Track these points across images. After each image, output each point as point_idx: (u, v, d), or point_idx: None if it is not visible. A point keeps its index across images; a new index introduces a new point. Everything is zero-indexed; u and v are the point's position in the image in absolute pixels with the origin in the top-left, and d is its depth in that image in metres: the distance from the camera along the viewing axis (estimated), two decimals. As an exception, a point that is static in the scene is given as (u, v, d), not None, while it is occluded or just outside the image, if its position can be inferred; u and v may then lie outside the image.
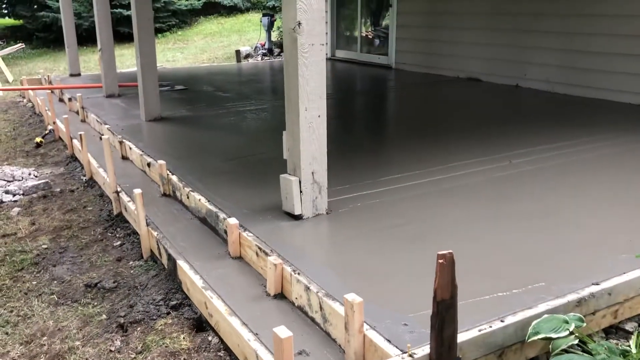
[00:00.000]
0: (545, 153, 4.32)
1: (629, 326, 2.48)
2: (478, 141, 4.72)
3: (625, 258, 2.60)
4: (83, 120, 6.54)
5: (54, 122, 6.48)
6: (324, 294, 2.34)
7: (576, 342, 2.10)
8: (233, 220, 2.99)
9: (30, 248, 3.76)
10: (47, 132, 6.60)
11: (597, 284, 2.37)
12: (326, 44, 10.32)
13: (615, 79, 6.16)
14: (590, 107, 6.01)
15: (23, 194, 4.77)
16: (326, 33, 10.46)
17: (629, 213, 3.17)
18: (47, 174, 5.32)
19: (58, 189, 4.83)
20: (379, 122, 5.88)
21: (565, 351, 2.06)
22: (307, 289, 2.41)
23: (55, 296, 3.16)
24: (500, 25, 7.44)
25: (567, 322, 2.09)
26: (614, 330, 2.47)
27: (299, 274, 2.52)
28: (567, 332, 2.05)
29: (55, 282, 3.32)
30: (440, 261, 1.86)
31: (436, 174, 3.88)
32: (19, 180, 5.08)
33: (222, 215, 3.22)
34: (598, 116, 5.59)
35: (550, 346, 2.13)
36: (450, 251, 1.85)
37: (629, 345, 2.24)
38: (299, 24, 2.80)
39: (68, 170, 5.40)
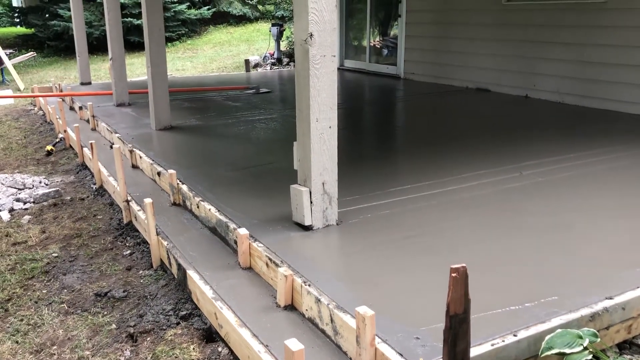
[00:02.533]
0: (556, 164, 4.30)
1: (643, 341, 2.45)
2: (488, 152, 4.70)
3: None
4: (94, 129, 6.58)
5: (65, 131, 6.52)
6: (334, 306, 2.33)
7: (590, 357, 2.08)
8: (243, 231, 2.99)
9: (41, 256, 3.77)
10: (57, 140, 6.64)
11: (611, 299, 2.35)
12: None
13: (626, 90, 6.14)
14: (601, 118, 5.99)
15: (34, 202, 4.79)
16: (335, 43, 10.48)
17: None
18: (57, 182, 5.35)
19: (68, 197, 4.85)
20: (388, 133, 5.87)
21: (579, 367, 2.03)
22: (318, 300, 2.40)
23: (65, 305, 3.17)
24: (510, 35, 7.44)
25: (581, 337, 2.07)
26: (628, 346, 2.44)
27: (309, 285, 2.51)
28: (581, 347, 2.03)
29: (65, 290, 3.33)
30: (454, 275, 1.84)
31: (447, 185, 3.87)
32: (30, 188, 5.11)
33: (232, 226, 3.22)
34: (609, 128, 5.56)
35: (563, 361, 2.11)
36: (464, 265, 1.84)
37: (644, 361, 2.22)
38: (311, 35, 2.81)
39: (78, 178, 5.43)
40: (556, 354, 2.04)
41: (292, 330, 2.43)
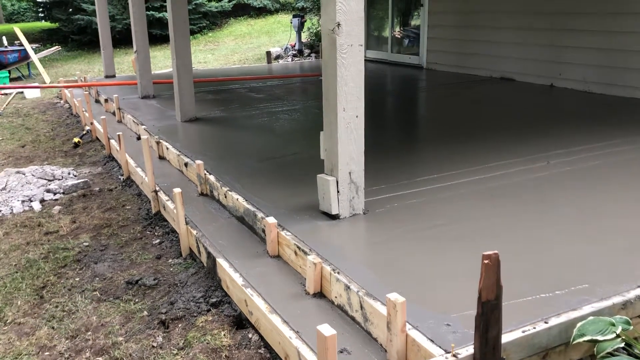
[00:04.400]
0: (583, 154, 4.25)
1: (675, 330, 2.42)
2: (514, 141, 4.67)
3: (672, 260, 2.55)
4: (119, 121, 6.67)
5: (92, 123, 6.62)
6: (364, 293, 2.35)
7: (622, 345, 2.07)
8: (272, 220, 3.02)
9: (72, 245, 3.85)
10: (84, 132, 6.75)
11: (643, 287, 2.33)
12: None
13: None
14: (628, 107, 5.89)
15: (63, 193, 4.89)
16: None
17: (673, 215, 3.11)
18: (85, 173, 5.45)
19: (97, 188, 4.94)
20: (413, 122, 5.86)
21: (611, 354, 2.03)
22: (347, 288, 2.43)
23: (97, 293, 3.24)
24: (535, 24, 7.34)
25: (613, 325, 2.06)
26: (660, 334, 2.42)
27: (338, 273, 2.54)
28: (613, 335, 2.02)
29: (97, 279, 3.40)
30: (486, 262, 1.85)
31: (473, 174, 3.85)
32: (59, 179, 5.22)
33: (260, 215, 3.25)
34: (636, 116, 5.47)
35: (595, 349, 2.10)
36: (496, 252, 1.84)
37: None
38: (338, 25, 2.82)
39: (106, 170, 5.52)
40: (588, 341, 2.04)
41: (321, 317, 2.45)
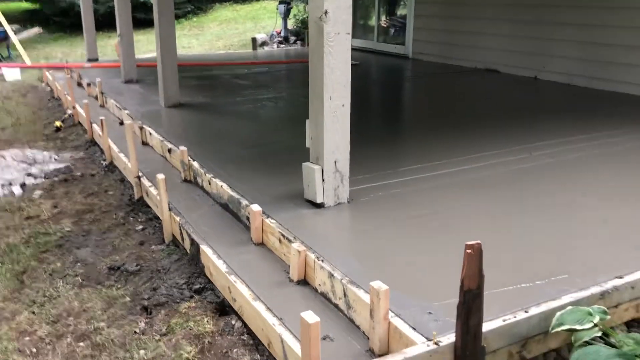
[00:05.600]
0: (565, 146, 4.31)
1: (651, 320, 2.48)
2: (497, 133, 4.71)
3: (649, 252, 2.60)
4: (102, 106, 6.59)
5: (74, 107, 6.53)
6: (348, 280, 2.37)
7: (599, 334, 2.11)
8: (256, 207, 3.02)
9: (54, 230, 3.81)
10: (66, 116, 6.66)
11: (621, 278, 2.38)
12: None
13: (635, 71, 6.10)
14: (610, 100, 5.97)
15: (45, 177, 4.83)
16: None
17: (651, 207, 3.17)
18: (67, 157, 5.38)
19: (79, 173, 4.89)
20: (398, 113, 5.87)
21: (588, 343, 2.07)
22: (331, 275, 2.44)
23: (79, 278, 3.22)
24: (520, 16, 7.38)
25: (591, 314, 2.10)
26: (636, 324, 2.47)
27: (322, 260, 2.55)
28: (591, 324, 2.06)
29: (79, 264, 3.38)
30: (469, 251, 1.88)
31: (456, 165, 3.88)
32: (40, 163, 5.15)
33: (244, 202, 3.25)
34: (619, 109, 5.54)
35: (572, 338, 2.15)
36: (479, 242, 1.87)
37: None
38: (326, 12, 2.81)
39: (88, 154, 5.46)
40: (566, 330, 2.08)
41: (305, 304, 2.47)
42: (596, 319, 2.08)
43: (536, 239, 2.80)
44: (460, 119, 5.30)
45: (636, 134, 4.62)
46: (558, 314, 2.12)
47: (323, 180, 3.06)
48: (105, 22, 15.58)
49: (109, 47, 13.31)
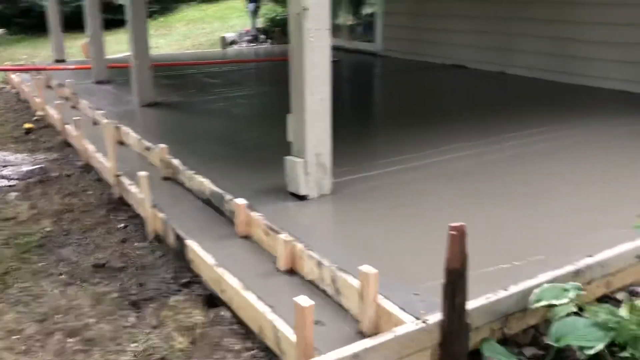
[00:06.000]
0: (534, 137, 4.48)
1: (620, 296, 2.63)
2: (468, 125, 4.86)
3: (615, 233, 2.75)
4: (74, 107, 6.52)
5: (44, 108, 6.45)
6: (336, 267, 2.46)
7: (575, 309, 2.25)
8: (241, 201, 3.08)
9: (34, 231, 3.79)
10: (36, 118, 6.57)
11: (591, 256, 2.52)
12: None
13: (599, 65, 6.35)
14: (575, 93, 6.20)
15: (19, 179, 4.77)
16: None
17: (616, 192, 3.34)
18: (40, 159, 5.32)
19: (54, 174, 4.85)
20: (371, 108, 5.98)
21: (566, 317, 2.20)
22: (319, 263, 2.52)
23: (64, 276, 3.22)
24: (487, 12, 7.58)
25: (567, 290, 2.23)
26: (607, 300, 2.62)
27: (310, 249, 2.63)
28: (567, 299, 2.19)
29: (62, 263, 3.37)
30: (452, 232, 1.99)
31: (431, 157, 4.01)
32: (13, 165, 5.08)
33: (227, 197, 3.30)
34: (583, 102, 5.77)
35: (550, 314, 2.28)
36: (462, 223, 1.98)
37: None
38: (305, 8, 2.89)
39: (62, 155, 5.40)
40: (545, 305, 2.20)
41: (294, 292, 2.52)
42: (571, 295, 2.21)
43: (511, 224, 2.94)
44: (431, 114, 5.44)
45: (597, 124, 4.83)
46: (536, 290, 2.24)
47: (306, 173, 3.14)
48: (70, 23, 15.31)
49: (75, 48, 13.09)
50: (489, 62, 7.64)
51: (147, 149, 4.44)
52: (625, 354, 2.10)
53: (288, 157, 3.23)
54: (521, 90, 6.52)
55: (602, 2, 6.22)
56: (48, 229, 3.81)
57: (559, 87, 6.51)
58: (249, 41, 12.54)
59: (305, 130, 3.06)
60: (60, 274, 3.24)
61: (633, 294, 2.67)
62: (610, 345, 2.15)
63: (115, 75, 7.67)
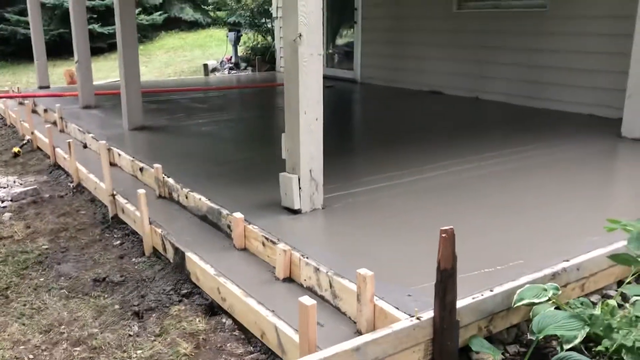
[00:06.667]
0: (509, 156, 4.74)
1: (594, 298, 2.85)
2: (447, 146, 5.12)
3: (589, 240, 2.98)
4: (62, 131, 6.63)
5: (32, 133, 6.54)
6: (333, 273, 2.63)
7: (553, 308, 2.45)
8: (238, 215, 3.24)
9: (31, 249, 3.88)
10: (24, 142, 6.65)
11: (568, 261, 2.74)
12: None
13: (567, 91, 6.72)
14: (544, 117, 6.53)
15: (12, 200, 4.86)
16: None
17: (587, 204, 3.60)
18: (31, 181, 5.41)
19: (47, 195, 4.94)
20: (355, 131, 6.22)
21: (545, 315, 2.39)
22: (317, 270, 2.69)
23: (65, 290, 3.32)
24: (461, 41, 7.95)
25: (546, 290, 2.43)
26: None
27: (307, 258, 2.80)
28: (546, 298, 2.40)
29: (62, 278, 3.48)
30: (443, 235, 2.18)
31: (414, 174, 4.23)
32: (4, 187, 5.16)
33: (224, 212, 3.46)
34: (553, 125, 6.09)
35: (530, 313, 2.48)
36: (452, 227, 2.18)
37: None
38: (300, 35, 3.11)
39: (52, 177, 5.50)
40: (526, 304, 2.40)
41: (293, 298, 2.67)
42: (550, 294, 2.42)
43: (492, 233, 3.15)
44: (412, 135, 5.70)
45: (566, 145, 5.13)
46: (519, 291, 2.44)
47: (300, 188, 3.33)
48: (49, 51, 15.41)
49: (55, 74, 13.18)
50: (464, 88, 7.99)
51: (141, 169, 4.58)
52: (600, 347, 2.30)
53: (282, 174, 3.41)
54: (495, 115, 6.84)
55: (567, 32, 6.62)
56: (45, 247, 3.91)
57: (530, 112, 6.85)
58: (230, 68, 12.79)
59: (299, 147, 3.25)
60: (61, 288, 3.35)
61: (605, 296, 2.89)
62: (586, 341, 2.36)
63: (101, 100, 7.81)
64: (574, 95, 6.64)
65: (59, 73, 13.05)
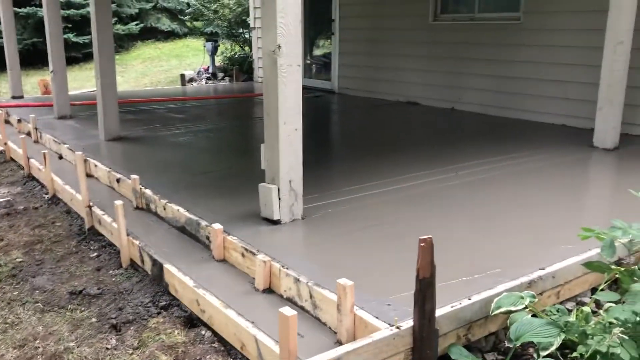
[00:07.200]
0: (484, 166, 4.81)
1: (569, 305, 2.90)
2: (424, 156, 5.18)
3: (564, 248, 3.04)
4: (36, 141, 6.53)
5: (5, 143, 6.43)
6: (313, 283, 2.63)
7: (529, 315, 2.49)
8: (217, 226, 3.23)
9: (4, 262, 3.81)
10: (-4, 153, 6.53)
11: (543, 269, 2.79)
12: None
13: (539, 101, 6.85)
14: (519, 127, 6.65)
15: (-16, 212, 4.76)
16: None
17: (561, 213, 3.67)
18: (4, 193, 5.32)
19: (21, 207, 4.86)
20: (333, 141, 6.25)
21: (522, 322, 2.43)
22: (297, 280, 2.69)
23: (40, 304, 3.27)
24: (436, 52, 8.07)
25: (522, 298, 2.47)
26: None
27: (287, 268, 2.80)
28: (523, 306, 2.44)
29: (37, 291, 3.42)
30: (422, 244, 2.21)
31: (393, 184, 4.27)
32: (-24, 199, 5.06)
33: (203, 223, 3.44)
34: (527, 135, 6.20)
35: (508, 321, 2.51)
36: (430, 236, 2.20)
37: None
38: (279, 46, 3.13)
39: (26, 189, 5.41)
40: (504, 312, 2.44)
41: (273, 309, 2.67)
42: (527, 301, 2.46)
43: (469, 242, 3.19)
44: (390, 146, 5.75)
45: (540, 155, 5.23)
46: (496, 299, 2.48)
47: (279, 198, 3.33)
48: (23, 60, 15.17)
49: (29, 84, 12.99)
50: (440, 99, 8.09)
51: (118, 180, 4.54)
52: (575, 354, 2.34)
53: (262, 184, 3.41)
54: (470, 125, 6.94)
55: (540, 44, 6.76)
56: (19, 260, 3.84)
57: (505, 122, 6.96)
58: (208, 78, 12.76)
59: (279, 158, 3.26)
60: (36, 302, 3.29)
61: (580, 303, 2.95)
62: (562, 348, 2.40)
63: (77, 111, 7.71)
64: (547, 106, 6.78)
65: (33, 83, 12.88)
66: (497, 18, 7.31)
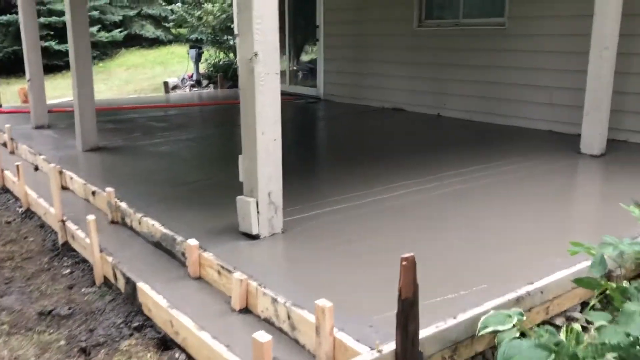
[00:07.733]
0: (470, 174, 4.71)
1: (558, 321, 2.80)
2: (409, 164, 5.07)
3: (552, 262, 2.94)
4: (12, 152, 6.35)
5: (-20, 154, 6.24)
6: (291, 303, 2.50)
7: (518, 334, 2.38)
8: (193, 242, 3.09)
9: (-28, 280, 3.64)
10: (-29, 164, 6.34)
11: (532, 284, 2.68)
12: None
13: (525, 107, 6.79)
14: (505, 133, 6.57)
15: (-46, 228, 4.58)
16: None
17: (550, 224, 3.57)
18: (-24, 206, 5.13)
19: (-7, 221, 4.69)
20: (317, 149, 6.13)
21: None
22: (274, 300, 2.56)
23: (6, 326, 3.10)
24: (421, 59, 7.99)
25: (510, 316, 2.36)
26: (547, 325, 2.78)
27: (264, 287, 2.67)
28: (511, 325, 2.32)
29: (4, 312, 3.25)
30: (404, 263, 2.09)
31: (377, 194, 4.15)
32: (-53, 213, 4.88)
33: (179, 238, 3.30)
34: (514, 142, 6.12)
35: (495, 340, 2.40)
36: (412, 254, 2.09)
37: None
38: (256, 54, 3.01)
39: (0, 202, 5.24)
40: (491, 332, 2.33)
41: (249, 331, 2.52)
42: (515, 320, 2.35)
43: (455, 256, 3.08)
44: (375, 154, 5.64)
45: (527, 162, 5.14)
46: (483, 318, 2.36)
47: (258, 212, 3.20)
48: (4, 68, 14.96)
49: (8, 93, 12.77)
50: (426, 105, 8.01)
51: (93, 193, 4.38)
52: (565, 375, 2.23)
53: (240, 197, 3.28)
54: (456, 132, 6.86)
55: (525, 50, 6.70)
56: (-13, 278, 3.67)
57: (491, 128, 6.89)
58: (192, 86, 12.61)
59: (257, 169, 3.13)
60: (2, 324, 3.12)
61: (570, 319, 2.84)
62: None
63: (55, 120, 7.54)
64: (533, 112, 6.72)
65: (14, 91, 12.66)
66: (481, 24, 7.25)
